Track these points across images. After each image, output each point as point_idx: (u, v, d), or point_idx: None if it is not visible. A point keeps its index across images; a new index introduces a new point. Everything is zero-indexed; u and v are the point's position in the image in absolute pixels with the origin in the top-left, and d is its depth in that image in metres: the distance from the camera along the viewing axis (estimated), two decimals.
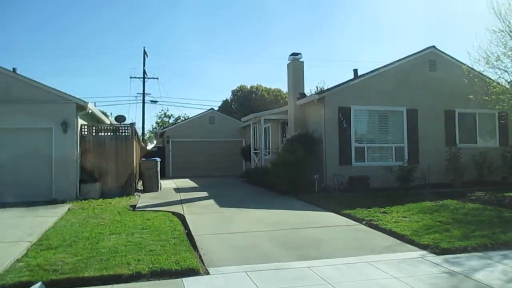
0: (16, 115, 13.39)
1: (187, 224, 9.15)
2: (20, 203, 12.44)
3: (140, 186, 16.92)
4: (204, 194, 14.68)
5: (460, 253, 6.97)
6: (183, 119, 51.36)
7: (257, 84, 39.49)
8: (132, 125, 15.42)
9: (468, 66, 15.57)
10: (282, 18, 72.46)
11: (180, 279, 5.73)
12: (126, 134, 15.03)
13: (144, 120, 34.79)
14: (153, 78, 35.88)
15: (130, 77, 34.86)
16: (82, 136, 14.32)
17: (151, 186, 16.03)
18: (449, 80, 16.10)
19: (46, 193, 13.51)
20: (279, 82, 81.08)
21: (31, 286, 5.51)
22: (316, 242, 7.76)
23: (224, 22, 76.18)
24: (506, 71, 14.44)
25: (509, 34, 14.02)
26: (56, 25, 71.51)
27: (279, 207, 11.66)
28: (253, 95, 37.49)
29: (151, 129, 52.05)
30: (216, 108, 32.99)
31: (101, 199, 13.62)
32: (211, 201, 12.76)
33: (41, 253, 7.04)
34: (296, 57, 17.33)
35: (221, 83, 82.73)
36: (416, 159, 15.63)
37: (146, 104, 37.18)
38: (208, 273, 5.97)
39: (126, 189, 14.66)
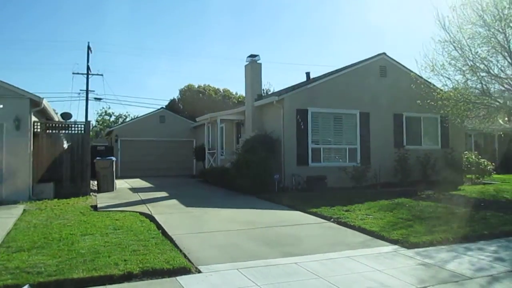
0: None
1: (159, 224, 9.06)
2: None
3: (93, 186, 16.38)
4: (164, 194, 14.52)
5: (427, 246, 7.51)
6: (124, 117, 50.11)
7: (205, 84, 39.39)
8: (88, 122, 14.95)
9: (415, 74, 16.58)
10: (229, 19, 72.69)
11: (174, 278, 5.74)
12: (82, 132, 14.52)
13: (87, 117, 33.41)
14: (98, 74, 34.79)
15: (73, 73, 33.49)
16: (34, 134, 13.66)
17: (106, 186, 15.59)
18: (398, 85, 17.10)
19: None
20: (226, 82, 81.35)
21: None
22: (294, 239, 8.02)
23: (173, 22, 75.06)
24: (449, 79, 15.60)
25: (452, 45, 15.14)
26: None
27: (245, 206, 11.85)
28: (201, 94, 37.33)
29: (92, 127, 50.17)
30: (163, 107, 32.49)
31: (56, 199, 13.06)
32: (175, 201, 12.68)
33: (14, 255, 6.71)
34: (254, 58, 17.60)
35: (168, 83, 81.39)
36: (368, 159, 16.42)
37: (90, 102, 35.73)
38: (200, 272, 6.02)
39: (82, 189, 14.17)
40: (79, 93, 36.53)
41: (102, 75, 36.62)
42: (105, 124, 48.17)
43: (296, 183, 15.17)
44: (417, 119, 17.84)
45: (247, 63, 17.84)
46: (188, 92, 38.04)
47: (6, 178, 12.86)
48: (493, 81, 14.87)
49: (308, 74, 21.72)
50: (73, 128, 14.63)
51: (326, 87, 16.37)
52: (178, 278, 5.75)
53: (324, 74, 20.11)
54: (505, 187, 16.00)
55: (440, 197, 12.89)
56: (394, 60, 17.52)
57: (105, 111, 50.86)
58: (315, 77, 21.15)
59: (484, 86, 14.67)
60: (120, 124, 29.81)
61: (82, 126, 14.91)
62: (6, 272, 5.85)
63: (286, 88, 22.80)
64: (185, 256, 6.71)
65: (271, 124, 16.45)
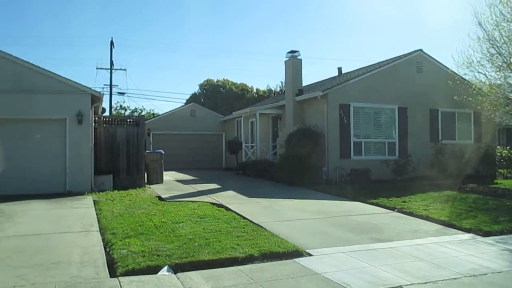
0: (30, 105, 13.15)
1: (238, 214, 9.65)
2: (36, 196, 12.31)
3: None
4: (215, 186, 15.12)
5: (499, 235, 8.11)
6: (140, 111, 50.66)
7: (223, 78, 39.93)
8: (142, 117, 15.53)
9: (452, 70, 17.11)
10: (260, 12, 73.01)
11: (292, 260, 6.34)
12: (137, 125, 15.13)
13: (111, 111, 34.05)
14: (121, 69, 35.43)
15: (97, 68, 34.09)
16: (94, 128, 14.27)
17: (155, 178, 16.21)
18: (434, 81, 17.63)
19: (60, 185, 13.39)
20: (242, 77, 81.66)
21: (159, 269, 5.94)
22: (373, 227, 8.63)
23: (188, 15, 75.47)
24: (486, 75, 16.11)
25: (489, 42, 15.64)
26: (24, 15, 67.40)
27: (303, 197, 12.48)
28: (221, 89, 37.88)
29: None
30: (184, 102, 33.14)
31: (116, 191, 13.69)
32: (233, 192, 13.27)
33: (127, 241, 7.28)
34: (294, 54, 18.12)
35: (187, 77, 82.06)
36: (406, 153, 16.97)
37: (113, 96, 36.31)
38: (310, 255, 6.63)
39: (137, 181, 14.82)
40: (102, 88, 37.00)
41: (125, 69, 37.36)
42: (147, 117, 48.86)
43: (340, 175, 15.77)
44: (452, 114, 18.39)
45: (287, 58, 18.37)
46: (208, 87, 38.57)
47: (70, 171, 13.47)
48: None
49: (340, 69, 22.27)
50: (128, 122, 15.21)
51: (366, 82, 16.90)
52: (296, 260, 6.35)
53: (357, 69, 20.70)
54: None
55: (485, 190, 13.48)
56: (430, 57, 18.03)
57: (121, 105, 51.39)
58: (347, 72, 21.76)
59: None
60: (151, 118, 30.32)
61: (139, 120, 15.55)
62: (137, 255, 6.45)
63: (318, 82, 23.40)
64: (287, 241, 7.32)
65: (313, 118, 17.01)
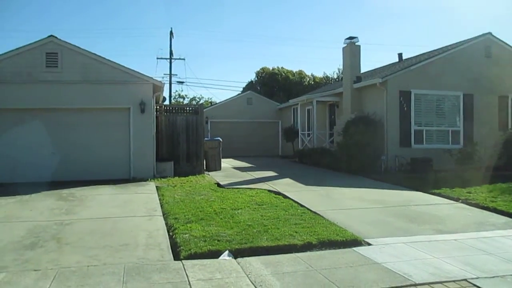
0: (96, 95, 13.81)
1: (295, 201, 9.69)
2: (103, 181, 12.99)
3: None
4: (272, 173, 15.22)
5: None
6: (198, 99, 51.76)
7: (279, 66, 39.86)
8: (201, 105, 15.90)
9: None
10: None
11: (351, 249, 6.30)
12: (196, 114, 15.50)
13: (171, 100, 35.09)
14: (180, 59, 36.17)
15: (157, 58, 35.16)
16: (155, 116, 14.77)
17: (214, 165, 16.57)
18: (504, 66, 16.63)
19: (124, 171, 14.02)
20: (299, 64, 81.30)
21: (219, 254, 6.11)
22: (435, 218, 8.36)
23: (241, 6, 75.88)
24: None
25: None
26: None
27: (361, 185, 12.30)
28: (277, 76, 37.85)
29: None
30: (241, 90, 33.44)
31: (177, 177, 14.16)
32: (290, 180, 13.32)
33: (189, 226, 7.52)
34: (352, 40, 17.75)
35: (243, 66, 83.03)
36: (471, 142, 16.17)
37: (173, 85, 37.35)
38: (369, 244, 6.55)
39: (197, 168, 15.23)
40: (162, 77, 38.18)
41: (184, 59, 37.98)
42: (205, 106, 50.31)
43: (399, 164, 15.36)
44: None
45: (345, 45, 18.03)
46: (264, 74, 38.67)
47: (134, 158, 14.07)
48: None
49: (400, 55, 21.52)
50: (187, 111, 15.63)
51: (428, 68, 16.25)
52: (355, 249, 6.30)
53: (419, 55, 19.94)
54: None
55: None
56: (500, 40, 17.02)
57: (179, 94, 52.78)
58: (408, 58, 20.99)
59: None
60: (209, 106, 30.99)
61: (197, 108, 15.94)
62: (198, 240, 6.66)
63: (376, 69, 22.80)
64: (345, 230, 7.27)
65: (371, 106, 16.64)
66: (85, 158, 13.76)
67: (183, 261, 5.81)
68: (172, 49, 34.87)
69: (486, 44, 16.90)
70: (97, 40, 76.38)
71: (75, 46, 13.81)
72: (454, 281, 5.06)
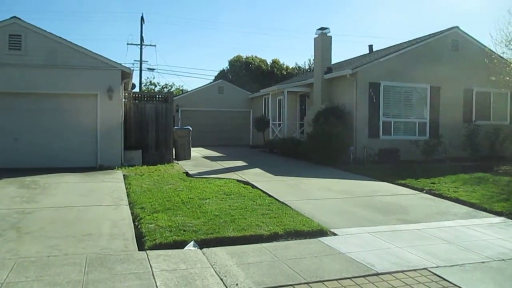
0: (62, 80, 13.40)
1: (264, 191, 9.69)
2: (68, 169, 12.71)
3: None
4: (242, 163, 15.21)
5: None
6: (170, 87, 51.09)
7: (252, 55, 39.71)
8: (171, 93, 15.68)
9: (489, 49, 16.50)
10: None
11: (316, 239, 6.34)
12: (166, 102, 15.28)
13: (141, 87, 34.48)
14: (150, 45, 35.55)
15: (127, 44, 34.57)
16: (124, 104, 14.48)
17: (183, 154, 16.42)
18: (469, 60, 17.05)
19: (91, 159, 13.72)
20: (273, 53, 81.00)
21: (185, 244, 6.06)
22: (400, 208, 8.53)
23: None
24: None
25: None
26: None
27: (330, 176, 12.42)
28: (250, 65, 37.70)
29: None
30: (212, 78, 33.17)
31: (145, 166, 13.95)
32: (259, 170, 13.33)
33: (155, 216, 7.43)
34: (323, 31, 17.77)
35: (216, 54, 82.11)
36: (437, 134, 16.59)
37: (143, 72, 36.70)
38: (335, 234, 6.62)
39: (166, 157, 15.05)
40: (133, 64, 37.44)
41: (155, 45, 37.42)
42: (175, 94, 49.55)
43: (367, 155, 15.58)
44: (487, 94, 17.80)
45: (317, 36, 18.05)
46: (237, 63, 38.45)
47: (101, 146, 13.78)
48: None
49: (371, 47, 21.77)
50: (157, 98, 15.39)
51: (398, 60, 16.48)
52: (320, 239, 6.35)
53: (389, 47, 20.19)
54: None
55: None
56: (467, 34, 17.39)
57: (150, 81, 51.93)
58: (378, 50, 21.24)
59: None
60: (180, 94, 30.61)
61: (167, 96, 15.70)
62: (164, 230, 6.57)
63: (347, 60, 22.98)
64: (312, 220, 7.32)
65: (341, 97, 16.77)
66: (50, 145, 13.42)
67: (147, 251, 5.72)
68: (143, 35, 34.25)
69: (453, 38, 17.25)
70: (65, 23, 74.17)
71: (40, 29, 13.33)
72: (415, 270, 5.16)
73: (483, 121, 17.45)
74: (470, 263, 5.43)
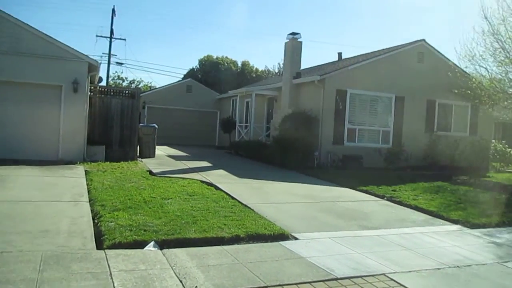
0: (26, 68, 12.93)
1: (227, 193, 9.63)
2: (28, 161, 12.29)
3: None
4: (207, 163, 15.11)
5: (486, 227, 8.19)
6: (138, 83, 50.34)
7: (223, 56, 39.58)
8: (138, 89, 15.42)
9: (453, 62, 17.06)
10: None
11: (278, 243, 6.34)
12: (132, 98, 15.01)
13: (108, 81, 33.77)
14: (121, 39, 34.79)
15: (97, 36, 33.68)
16: (89, 97, 14.12)
17: (148, 152, 16.16)
18: (434, 72, 17.57)
19: (52, 153, 13.29)
20: (244, 55, 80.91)
21: (145, 244, 5.94)
22: (362, 214, 8.67)
23: None
24: (487, 69, 16.06)
25: (493, 36, 15.52)
26: None
27: (294, 180, 12.50)
28: (220, 66, 37.59)
29: None
30: (181, 76, 32.87)
31: (108, 162, 13.65)
32: (224, 172, 13.27)
33: (115, 214, 7.25)
34: (294, 36, 17.92)
35: (187, 52, 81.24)
36: (400, 142, 16.99)
37: (111, 66, 35.96)
38: (296, 238, 6.64)
39: (130, 154, 14.77)
40: (101, 57, 36.61)
41: (125, 39, 36.47)
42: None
43: (331, 160, 15.79)
44: (449, 106, 18.39)
45: (287, 40, 18.17)
46: (207, 63, 38.25)
47: (63, 139, 13.37)
48: None
49: (340, 54, 22.10)
50: (123, 94, 15.09)
51: (365, 69, 16.80)
52: (282, 243, 6.36)
53: (358, 56, 20.56)
54: None
55: (476, 182, 13.57)
56: (432, 47, 17.92)
57: (118, 76, 50.99)
58: (347, 58, 21.59)
59: None
60: (148, 90, 30.16)
61: (134, 92, 15.43)
62: (124, 229, 6.42)
63: (316, 66, 23.25)
64: (274, 224, 7.33)
65: (308, 102, 16.92)
66: (9, 136, 12.86)
67: (106, 250, 5.57)
68: (113, 28, 33.51)
69: (419, 50, 17.74)
70: (32, 10, 71.67)
71: (5, 13, 12.80)
72: (373, 275, 5.24)
73: (444, 132, 18.03)
74: (426, 269, 5.56)
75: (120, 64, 35.89)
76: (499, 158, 18.41)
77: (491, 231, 7.99)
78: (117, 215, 7.16)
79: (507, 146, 18.59)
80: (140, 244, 5.90)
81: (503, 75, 15.52)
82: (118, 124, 14.73)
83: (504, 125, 26.07)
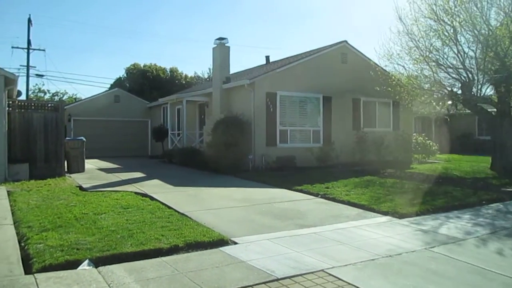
0: None
1: (163, 203, 9.46)
2: None
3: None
4: (140, 174, 14.75)
5: (414, 216, 8.67)
6: (62, 95, 48.15)
7: (151, 63, 38.80)
8: (62, 101, 14.71)
9: (374, 62, 17.96)
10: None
11: (218, 249, 6.31)
12: (56, 111, 14.28)
13: (28, 95, 31.83)
14: (39, 49, 32.97)
15: (12, 47, 31.73)
16: (8, 113, 13.26)
17: (76, 167, 15.47)
18: (357, 71, 18.38)
19: None
20: (172, 61, 79.69)
21: (79, 263, 5.68)
22: (298, 213, 8.85)
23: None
24: (404, 67, 17.11)
25: (408, 36, 16.56)
26: None
27: (230, 185, 12.53)
28: (149, 73, 36.82)
29: None
30: (108, 86, 31.84)
31: (33, 180, 12.86)
32: (158, 181, 13.00)
33: (44, 234, 6.86)
34: (222, 41, 17.98)
35: (112, 61, 78.44)
36: (330, 141, 17.60)
37: (31, 78, 33.98)
38: (236, 243, 6.64)
39: (57, 170, 14.03)
40: (18, 69, 34.55)
41: (44, 50, 34.65)
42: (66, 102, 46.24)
43: (266, 163, 16.01)
44: (373, 103, 19.31)
45: (215, 45, 18.19)
46: (135, 71, 37.33)
47: None
48: (442, 71, 16.50)
49: (267, 58, 22.48)
50: (46, 107, 14.32)
51: (293, 71, 17.21)
52: (221, 249, 6.34)
53: (285, 58, 21.04)
54: (450, 165, 17.97)
55: (401, 174, 14.36)
56: (354, 48, 18.74)
57: (39, 88, 48.42)
58: (275, 61, 22.01)
59: (436, 75, 16.26)
60: (73, 103, 28.77)
61: (58, 105, 14.69)
62: (55, 249, 6.08)
63: (245, 70, 23.48)
64: (212, 230, 7.29)
65: (240, 106, 17.05)
66: None
67: (35, 274, 5.24)
68: (31, 38, 31.76)
69: (342, 51, 18.48)
70: None
71: None
72: (312, 272, 5.37)
73: (370, 129, 18.90)
74: (361, 261, 5.79)
75: (41, 76, 33.88)
76: (421, 150, 19.63)
77: (418, 219, 8.48)
78: (46, 236, 6.78)
79: (427, 138, 19.85)
80: (73, 264, 5.62)
81: (419, 72, 16.64)
82: (42, 140, 13.94)
83: (423, 119, 27.90)
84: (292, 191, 11.53)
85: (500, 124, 15.64)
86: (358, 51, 18.82)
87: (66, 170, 15.52)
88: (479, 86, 16.21)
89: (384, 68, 17.73)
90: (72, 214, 8.32)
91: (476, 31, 14.98)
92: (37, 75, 34.22)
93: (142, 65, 38.43)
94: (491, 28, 14.90)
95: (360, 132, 18.10)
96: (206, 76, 40.58)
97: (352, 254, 6.10)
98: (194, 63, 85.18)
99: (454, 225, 8.04)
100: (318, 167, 16.23)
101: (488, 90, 17.22)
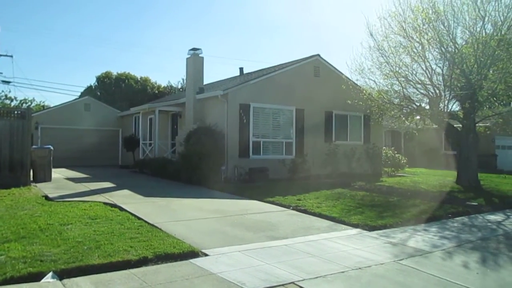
0: None
1: (133, 214, 9.26)
2: None
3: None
4: (110, 184, 14.45)
5: (383, 229, 8.78)
6: (30, 102, 46.96)
7: (125, 72, 38.35)
8: (29, 109, 14.30)
9: (345, 76, 18.26)
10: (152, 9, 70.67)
11: (188, 261, 6.22)
12: (22, 118, 13.87)
13: None
14: (6, 55, 32.12)
15: None
16: None
17: (43, 176, 15.02)
18: (329, 85, 18.65)
19: None
20: (145, 71, 78.80)
21: (42, 276, 5.49)
22: (269, 225, 8.83)
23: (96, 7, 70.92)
24: (375, 81, 17.47)
25: (378, 51, 16.95)
26: None
27: (202, 196, 12.42)
28: (121, 82, 36.36)
29: None
30: (78, 94, 31.27)
31: None
32: (128, 192, 12.76)
33: (5, 246, 6.60)
34: (196, 52, 17.94)
35: (83, 69, 77.02)
36: (302, 153, 17.70)
37: None
38: (206, 255, 6.56)
39: (22, 179, 13.57)
40: None
41: (11, 56, 33.68)
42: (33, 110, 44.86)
43: (238, 174, 15.96)
44: (345, 116, 19.58)
45: (189, 56, 18.13)
46: (106, 80, 36.79)
47: None
48: (411, 86, 16.92)
49: (241, 69, 22.56)
50: (11, 114, 13.90)
51: (266, 83, 17.30)
52: (192, 260, 6.25)
53: (258, 70, 21.15)
54: (418, 179, 18.33)
55: (372, 187, 14.55)
56: (327, 62, 19.01)
57: (6, 95, 47.07)
58: (249, 72, 22.09)
59: (405, 90, 16.65)
60: (40, 110, 28.09)
61: (24, 112, 14.27)
62: (17, 261, 5.86)
63: (219, 81, 23.48)
64: (183, 242, 7.19)
65: (213, 117, 16.99)
66: None
67: None
68: None
69: (315, 64, 18.72)
70: None
71: None
72: (283, 285, 5.35)
73: (341, 141, 19.13)
74: (331, 274, 5.80)
75: (7, 82, 32.92)
76: (390, 163, 19.98)
77: (387, 232, 8.59)
78: (8, 247, 6.53)
79: (396, 152, 20.23)
80: (36, 277, 5.43)
81: (389, 87, 17.01)
82: (7, 148, 13.50)
83: (393, 133, 28.47)
84: (264, 202, 11.51)
85: (465, 139, 16.10)
86: (331, 65, 19.10)
87: (32, 179, 15.07)
88: (446, 102, 16.72)
89: (355, 82, 18.05)
90: (37, 224, 8.06)
91: (443, 49, 15.46)
92: (3, 81, 33.31)
93: (114, 73, 37.95)
94: (457, 46, 15.42)
95: (332, 145, 18.29)
96: (179, 86, 40.36)
97: (323, 267, 6.11)
98: (168, 73, 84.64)
99: (421, 237, 8.18)
100: (291, 178, 16.29)
101: (455, 106, 17.77)
